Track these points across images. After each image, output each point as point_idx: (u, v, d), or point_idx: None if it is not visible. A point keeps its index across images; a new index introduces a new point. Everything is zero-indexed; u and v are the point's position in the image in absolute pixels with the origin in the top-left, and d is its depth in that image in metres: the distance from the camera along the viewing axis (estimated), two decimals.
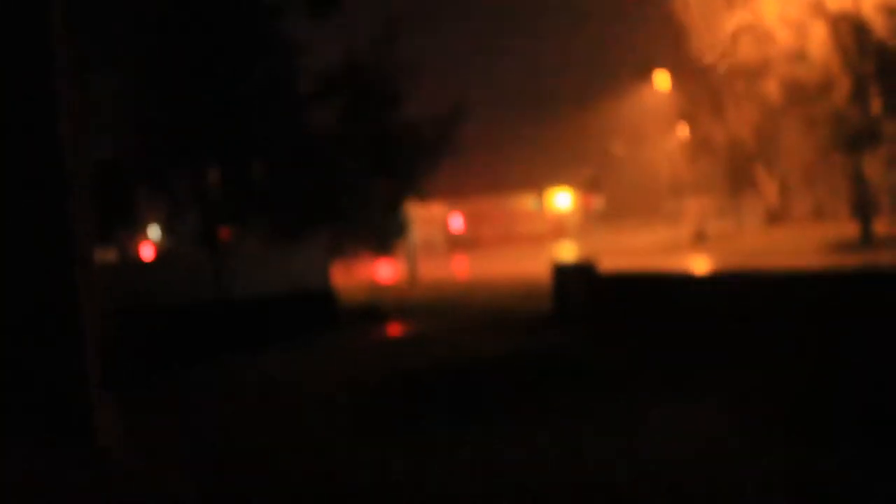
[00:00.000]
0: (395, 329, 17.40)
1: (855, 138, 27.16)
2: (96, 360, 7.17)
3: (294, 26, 18.23)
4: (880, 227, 29.12)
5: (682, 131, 42.57)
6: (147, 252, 20.55)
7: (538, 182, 59.84)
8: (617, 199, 60.26)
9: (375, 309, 20.17)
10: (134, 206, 17.49)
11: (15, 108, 6.48)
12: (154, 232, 21.20)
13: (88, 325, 6.99)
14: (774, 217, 41.34)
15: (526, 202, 61.59)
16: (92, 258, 8.69)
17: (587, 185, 60.78)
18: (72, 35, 6.92)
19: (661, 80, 41.73)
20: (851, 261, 21.64)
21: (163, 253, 18.86)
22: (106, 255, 17.48)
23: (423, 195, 21.67)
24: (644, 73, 43.38)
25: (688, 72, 35.80)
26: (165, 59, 16.16)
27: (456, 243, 56.07)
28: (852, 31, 26.02)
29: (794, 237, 32.21)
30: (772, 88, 28.53)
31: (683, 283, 15.50)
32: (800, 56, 26.87)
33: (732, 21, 28.27)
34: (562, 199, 60.84)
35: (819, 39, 26.46)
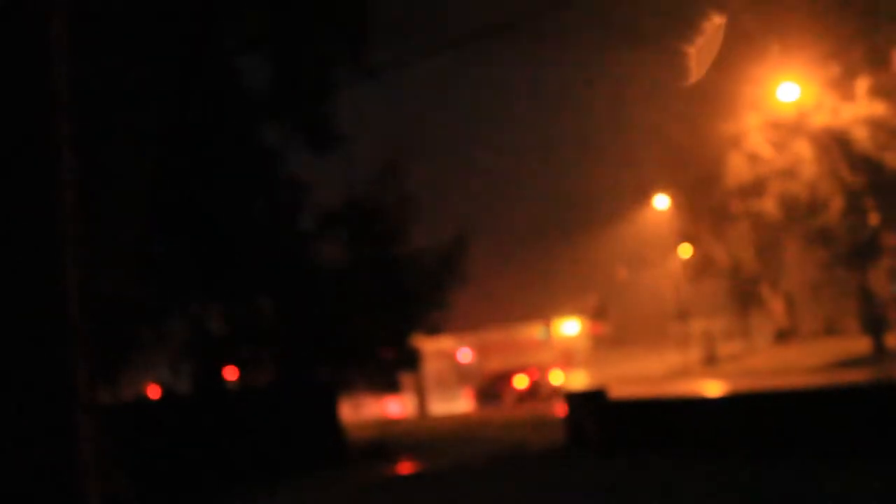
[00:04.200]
0: (403, 468, 17.01)
1: (854, 252, 27.24)
2: None
3: (298, 162, 18.61)
4: (892, 340, 28.85)
5: (686, 253, 42.81)
6: (153, 394, 20.36)
7: (545, 311, 59.70)
8: (624, 325, 59.96)
9: (384, 445, 19.77)
10: (138, 348, 17.41)
11: (19, 248, 6.53)
12: (160, 373, 21.08)
13: (91, 472, 6.84)
14: (784, 335, 41.02)
15: (534, 332, 61.29)
16: (94, 402, 8.57)
17: (594, 312, 60.61)
18: (76, 176, 7.05)
19: (662, 201, 42.21)
20: (864, 376, 21.33)
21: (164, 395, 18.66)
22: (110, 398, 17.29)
23: (433, 329, 21.51)
24: (645, 196, 43.91)
25: (688, 192, 36.29)
26: (169, 198, 16.40)
27: (465, 376, 55.51)
28: (837, 147, 26.51)
29: (805, 355, 31.87)
30: (768, 206, 28.86)
31: (696, 406, 15.22)
32: (789, 173, 27.31)
33: (724, 140, 28.88)
34: (569, 328, 60.55)
35: (806, 156, 26.94)
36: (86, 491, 6.60)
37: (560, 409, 18.63)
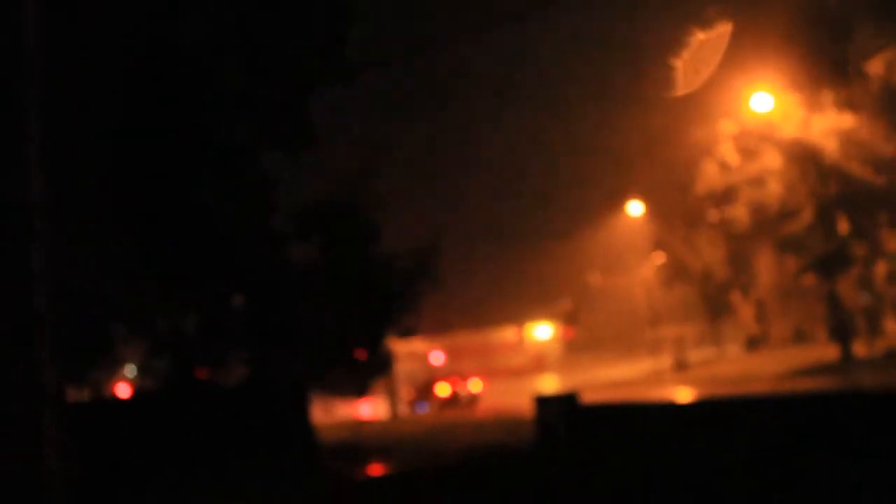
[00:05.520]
0: (375, 469, 17.02)
1: (824, 261, 27.56)
2: None
3: (272, 163, 18.52)
4: (859, 348, 29.22)
5: (658, 260, 43.09)
6: (123, 392, 20.24)
7: (518, 315, 59.93)
8: (597, 330, 60.28)
9: (355, 447, 19.79)
10: (110, 345, 17.28)
11: None
12: (131, 371, 20.95)
13: (57, 469, 6.79)
14: (754, 342, 41.40)
15: (506, 336, 61.48)
16: (64, 398, 8.52)
17: (567, 317, 60.87)
18: (49, 171, 7.00)
19: (636, 208, 42.41)
20: (832, 384, 21.60)
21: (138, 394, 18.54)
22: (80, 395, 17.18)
23: (406, 332, 21.49)
24: (619, 203, 44.09)
25: (661, 200, 36.54)
26: (143, 197, 16.31)
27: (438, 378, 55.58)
28: (807, 157, 26.83)
29: (774, 362, 32.16)
30: (739, 214, 29.15)
31: (666, 413, 15.35)
32: (760, 182, 27.61)
33: (697, 148, 29.14)
34: (542, 332, 60.81)
35: (775, 166, 27.24)
36: (51, 488, 6.54)
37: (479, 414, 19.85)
